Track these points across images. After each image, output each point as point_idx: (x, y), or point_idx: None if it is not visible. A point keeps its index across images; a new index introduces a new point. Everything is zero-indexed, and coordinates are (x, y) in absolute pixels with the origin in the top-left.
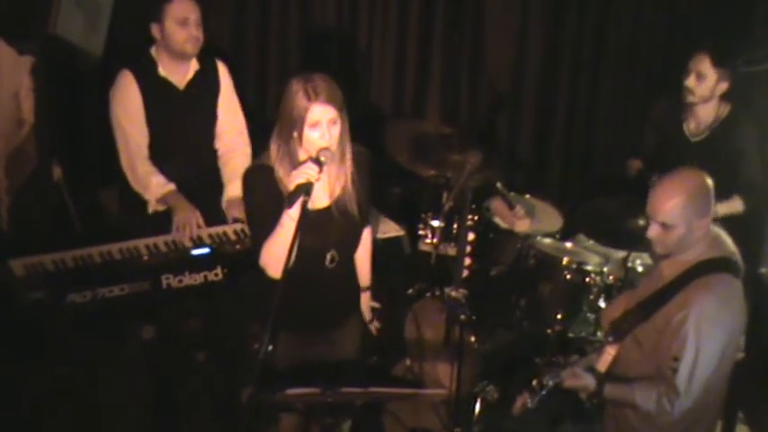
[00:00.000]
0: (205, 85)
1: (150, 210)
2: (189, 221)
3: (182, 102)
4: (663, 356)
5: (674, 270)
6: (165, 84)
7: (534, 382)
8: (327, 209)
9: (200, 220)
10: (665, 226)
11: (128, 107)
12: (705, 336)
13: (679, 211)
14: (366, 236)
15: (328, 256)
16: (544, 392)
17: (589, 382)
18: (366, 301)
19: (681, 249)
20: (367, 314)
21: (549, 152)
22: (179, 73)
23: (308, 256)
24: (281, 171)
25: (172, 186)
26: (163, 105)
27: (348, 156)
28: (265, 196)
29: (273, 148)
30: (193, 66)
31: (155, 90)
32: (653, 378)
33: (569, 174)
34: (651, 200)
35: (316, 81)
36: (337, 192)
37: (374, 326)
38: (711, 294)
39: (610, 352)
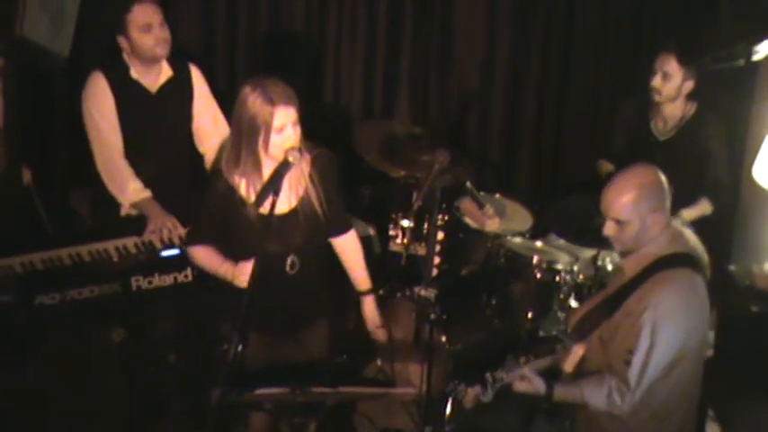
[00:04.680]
0: (178, 90)
1: (123, 212)
2: (165, 226)
3: (154, 105)
4: (617, 351)
5: (635, 266)
6: (138, 86)
7: (488, 375)
8: (289, 213)
9: (177, 224)
10: (619, 222)
11: (102, 108)
12: (660, 330)
13: (631, 206)
14: (353, 238)
15: (289, 261)
16: (498, 386)
17: (539, 386)
18: (371, 306)
19: (638, 245)
20: (374, 320)
21: (518, 151)
22: (151, 76)
23: (268, 261)
24: (243, 180)
25: (148, 193)
26: (135, 108)
27: (305, 157)
28: (217, 203)
29: (231, 158)
30: (166, 71)
31: (127, 92)
32: (600, 375)
33: (539, 173)
34: (604, 197)
35: (271, 85)
36: (299, 195)
37: (382, 332)
38: (670, 289)
39: (577, 352)
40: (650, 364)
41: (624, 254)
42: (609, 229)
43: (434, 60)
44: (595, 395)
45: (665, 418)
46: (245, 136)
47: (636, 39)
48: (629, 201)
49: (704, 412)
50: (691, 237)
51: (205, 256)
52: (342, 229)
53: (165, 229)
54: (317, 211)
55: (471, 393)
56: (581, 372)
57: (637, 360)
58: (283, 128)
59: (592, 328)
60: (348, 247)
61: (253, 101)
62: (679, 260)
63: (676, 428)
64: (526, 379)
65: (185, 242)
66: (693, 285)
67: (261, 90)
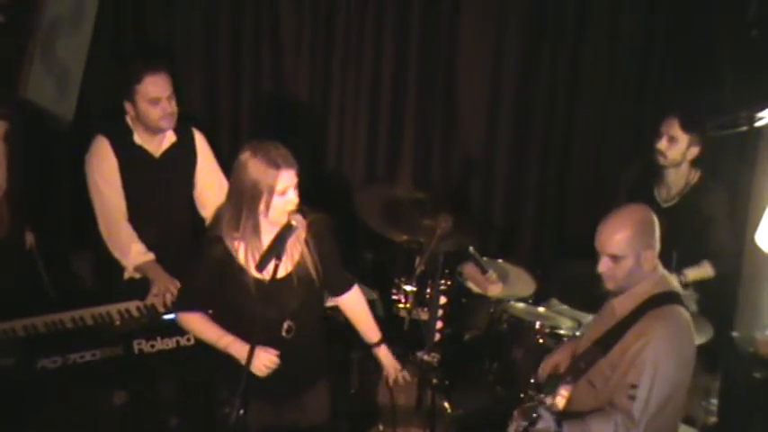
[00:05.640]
0: (181, 155)
1: (126, 276)
2: (168, 290)
3: (157, 170)
4: (617, 387)
5: (627, 305)
6: (141, 151)
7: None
8: (285, 278)
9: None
10: (614, 258)
11: (105, 172)
12: (662, 364)
13: (628, 242)
14: (357, 294)
15: (285, 326)
16: (535, 416)
17: (550, 423)
18: (385, 354)
19: (630, 283)
20: (393, 368)
21: (521, 217)
22: (155, 142)
23: (264, 326)
24: (241, 246)
25: (151, 256)
26: (138, 172)
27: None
28: (209, 270)
29: (230, 223)
30: (169, 137)
31: (130, 157)
32: (605, 411)
33: (542, 238)
34: (599, 234)
35: (273, 148)
36: (294, 259)
37: (403, 375)
38: (667, 325)
39: (563, 394)
40: (653, 397)
41: (615, 294)
42: (603, 265)
43: (438, 125)
44: (602, 431)
45: None
46: (247, 200)
47: (639, 105)
48: (626, 236)
49: None
50: (673, 280)
51: (200, 325)
52: (345, 288)
53: (169, 293)
54: (311, 275)
55: (512, 428)
56: (566, 414)
57: (641, 394)
58: (285, 191)
59: (587, 368)
60: (353, 303)
61: (256, 165)
62: (671, 298)
63: None
64: (539, 417)
65: (175, 309)
66: (685, 321)
67: (263, 154)
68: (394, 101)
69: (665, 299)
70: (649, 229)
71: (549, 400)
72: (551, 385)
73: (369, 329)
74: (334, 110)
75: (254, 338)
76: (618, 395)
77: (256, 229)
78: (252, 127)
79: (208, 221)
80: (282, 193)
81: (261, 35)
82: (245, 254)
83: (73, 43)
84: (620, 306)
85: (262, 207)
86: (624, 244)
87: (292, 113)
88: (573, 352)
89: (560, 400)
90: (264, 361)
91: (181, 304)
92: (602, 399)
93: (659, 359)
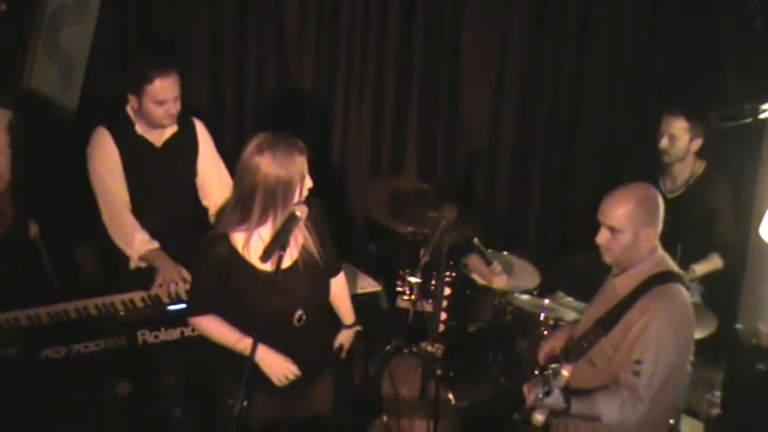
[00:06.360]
0: (183, 145)
1: (132, 266)
2: (173, 279)
3: (159, 159)
4: (621, 365)
5: (628, 284)
6: (143, 141)
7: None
8: (293, 266)
9: (186, 275)
10: (613, 230)
11: (107, 162)
12: (665, 339)
13: (628, 216)
14: (341, 278)
15: (296, 315)
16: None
17: (559, 400)
18: (349, 335)
19: (628, 259)
20: (341, 342)
21: (526, 208)
22: (156, 132)
23: (276, 318)
24: (243, 239)
25: (156, 244)
26: (140, 162)
27: None
28: (215, 269)
29: (256, 218)
30: (171, 127)
31: (132, 147)
32: (610, 388)
33: (546, 230)
34: (603, 205)
35: (282, 139)
36: (299, 243)
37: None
38: (669, 302)
39: (564, 374)
40: (657, 373)
41: (616, 273)
42: (602, 237)
43: (442, 117)
44: (609, 407)
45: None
46: (281, 196)
47: (643, 97)
48: (627, 210)
49: None
50: (672, 262)
51: (215, 328)
52: (335, 272)
53: (173, 284)
54: (316, 259)
55: (531, 395)
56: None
57: (646, 369)
58: (305, 174)
59: (589, 347)
60: (338, 287)
61: (283, 159)
62: (671, 276)
63: None
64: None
65: (187, 314)
66: (686, 299)
67: (280, 147)
68: (398, 93)
69: (666, 277)
70: (652, 207)
71: (563, 371)
72: (563, 359)
73: (347, 311)
74: (339, 102)
75: (257, 332)
76: (623, 372)
77: (276, 222)
78: (256, 120)
79: (211, 210)
80: (305, 177)
81: (266, 28)
82: (249, 246)
83: (77, 32)
84: (621, 285)
85: (296, 197)
86: (624, 218)
87: (297, 106)
88: (570, 336)
89: (561, 381)
90: (286, 372)
91: (192, 308)
92: (603, 377)
93: (663, 334)
